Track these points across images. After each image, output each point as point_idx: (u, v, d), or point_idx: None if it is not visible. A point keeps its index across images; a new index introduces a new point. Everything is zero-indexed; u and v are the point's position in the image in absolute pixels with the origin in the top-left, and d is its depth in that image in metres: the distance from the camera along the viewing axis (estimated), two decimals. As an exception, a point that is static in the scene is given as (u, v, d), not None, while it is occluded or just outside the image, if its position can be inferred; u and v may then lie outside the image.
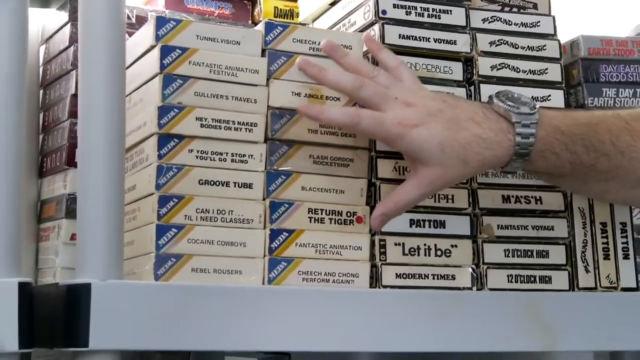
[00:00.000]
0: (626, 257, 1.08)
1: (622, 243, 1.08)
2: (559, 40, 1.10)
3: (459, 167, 0.95)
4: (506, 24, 1.08)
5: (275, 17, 1.22)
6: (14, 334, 0.79)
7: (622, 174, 0.99)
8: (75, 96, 1.00)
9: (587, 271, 1.07)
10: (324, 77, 0.97)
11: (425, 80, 1.02)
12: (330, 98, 0.98)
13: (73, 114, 1.00)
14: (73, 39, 1.03)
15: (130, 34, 1.00)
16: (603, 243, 1.08)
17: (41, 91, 1.15)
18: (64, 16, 1.07)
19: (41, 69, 1.16)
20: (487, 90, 1.05)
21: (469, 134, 0.95)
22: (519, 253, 1.04)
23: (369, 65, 1.00)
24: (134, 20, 1.10)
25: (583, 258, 1.07)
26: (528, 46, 1.08)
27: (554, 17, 1.11)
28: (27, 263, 1.08)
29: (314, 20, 1.17)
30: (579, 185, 1.05)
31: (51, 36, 1.12)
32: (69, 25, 1.05)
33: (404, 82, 0.98)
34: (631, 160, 0.99)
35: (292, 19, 1.22)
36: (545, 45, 1.09)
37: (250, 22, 1.22)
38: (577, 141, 0.97)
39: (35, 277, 1.09)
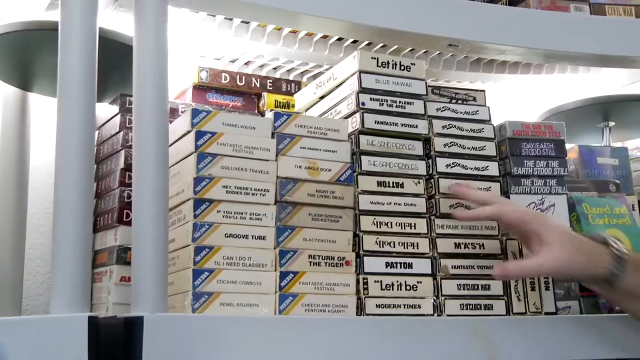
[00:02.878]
0: (547, 288, 1.08)
1: (544, 278, 1.08)
2: (493, 125, 1.11)
3: (573, 255, 0.93)
4: (454, 112, 1.08)
5: (275, 107, 1.22)
6: (85, 356, 0.78)
7: None
8: (123, 170, 1.00)
9: (519, 300, 1.06)
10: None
11: (395, 155, 1.03)
12: (324, 170, 0.98)
13: (122, 183, 1.00)
14: (122, 126, 1.02)
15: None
16: (530, 278, 1.08)
17: (95, 166, 1.14)
18: (115, 109, 1.07)
19: (95, 149, 1.13)
20: (442, 162, 1.05)
21: (584, 237, 0.96)
22: (468, 287, 1.03)
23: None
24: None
25: (516, 290, 1.06)
26: (470, 129, 1.08)
27: (488, 107, 1.12)
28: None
29: (306, 110, 1.17)
30: None
31: (104, 124, 1.11)
32: (119, 116, 1.04)
33: None
34: None
35: (289, 109, 1.22)
36: (483, 129, 1.09)
37: (256, 111, 1.23)
38: None
39: (90, 311, 1.07)
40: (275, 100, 1.22)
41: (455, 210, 1.03)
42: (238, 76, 1.21)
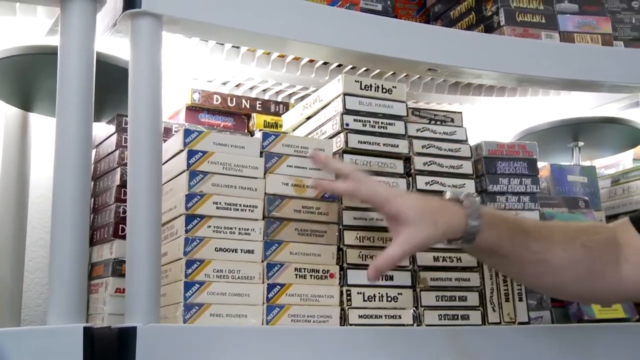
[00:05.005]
0: (520, 299, 1.08)
1: (517, 289, 1.08)
2: (469, 145, 1.11)
3: (430, 229, 0.90)
4: (433, 133, 1.08)
5: (264, 127, 1.21)
6: None
7: (549, 257, 0.94)
8: (119, 186, 1.00)
9: (494, 310, 1.06)
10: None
11: (378, 173, 1.02)
12: (309, 186, 0.98)
13: (117, 199, 1.00)
14: (118, 145, 1.02)
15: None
16: (504, 290, 1.07)
17: (92, 183, 1.13)
18: (111, 128, 1.07)
19: (92, 166, 1.14)
20: (421, 180, 1.05)
21: (438, 204, 0.92)
22: (446, 298, 1.03)
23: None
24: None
25: (491, 301, 1.06)
26: (448, 149, 1.08)
27: (465, 128, 1.12)
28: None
29: (294, 130, 1.18)
30: (518, 269, 0.98)
31: (101, 142, 1.11)
32: (115, 135, 1.04)
33: None
34: (554, 246, 0.94)
35: (277, 129, 1.22)
36: (460, 148, 1.09)
37: (246, 131, 1.22)
38: (511, 224, 0.94)
39: (86, 321, 1.06)
40: (264, 121, 1.22)
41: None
42: (229, 98, 1.20)
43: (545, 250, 0.93)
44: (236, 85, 1.27)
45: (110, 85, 0.95)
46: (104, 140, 1.10)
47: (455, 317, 1.03)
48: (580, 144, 1.51)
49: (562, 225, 1.06)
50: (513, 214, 1.05)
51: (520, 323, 1.07)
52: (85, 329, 0.78)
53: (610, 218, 1.33)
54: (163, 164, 0.93)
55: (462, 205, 0.91)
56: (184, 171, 0.91)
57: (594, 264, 0.94)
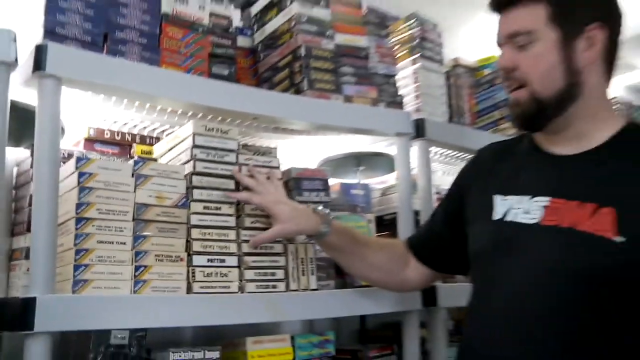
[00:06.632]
0: (312, 273, 1.16)
1: (310, 267, 1.16)
2: (280, 169, 1.17)
3: (293, 227, 1.04)
4: (256, 161, 1.13)
5: (141, 154, 1.21)
6: None
7: (368, 257, 1.09)
8: (32, 195, 0.96)
9: (294, 281, 1.13)
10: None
11: (216, 189, 1.07)
12: (167, 198, 1.01)
13: (30, 204, 0.96)
14: (32, 165, 0.98)
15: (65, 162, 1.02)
16: (302, 268, 1.15)
17: (14, 191, 1.13)
18: (28, 152, 1.07)
19: (14, 180, 1.13)
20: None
21: (305, 212, 1.05)
22: (261, 274, 1.09)
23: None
24: (66, 155, 1.09)
25: (293, 275, 1.13)
26: (266, 172, 1.13)
27: (279, 158, 1.17)
28: (2, 285, 1.06)
29: (161, 156, 1.19)
30: (347, 261, 1.12)
31: (21, 162, 1.12)
32: (30, 158, 1.04)
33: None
34: (370, 250, 1.10)
35: (150, 155, 1.21)
36: (275, 172, 1.15)
37: (128, 156, 1.20)
38: (349, 233, 1.10)
39: (7, 291, 1.06)
40: (141, 150, 1.22)
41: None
42: (116, 133, 1.21)
43: (366, 253, 1.11)
44: (124, 124, 1.25)
45: (28, 121, 0.95)
46: (23, 161, 1.10)
47: (268, 286, 1.10)
48: (361, 168, 1.58)
49: (376, 239, 1.24)
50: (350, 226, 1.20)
51: (312, 289, 1.16)
52: (-1, 298, 0.82)
53: (378, 218, 1.42)
54: (61, 181, 0.97)
55: (319, 215, 1.08)
56: (75, 187, 0.96)
57: (391, 265, 1.13)
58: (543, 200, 0.85)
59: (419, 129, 1.37)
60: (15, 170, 1.13)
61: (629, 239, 0.76)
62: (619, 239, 0.77)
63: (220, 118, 1.19)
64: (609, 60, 0.89)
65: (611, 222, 0.78)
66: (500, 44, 0.92)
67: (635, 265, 0.76)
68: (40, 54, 0.91)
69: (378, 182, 1.63)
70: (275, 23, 1.35)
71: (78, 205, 0.95)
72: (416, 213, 1.37)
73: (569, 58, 0.85)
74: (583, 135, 0.88)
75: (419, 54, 1.53)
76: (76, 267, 0.93)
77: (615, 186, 0.81)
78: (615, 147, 0.86)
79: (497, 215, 0.90)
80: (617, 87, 2.96)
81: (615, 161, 0.84)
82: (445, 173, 1.76)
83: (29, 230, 0.97)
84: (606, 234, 0.78)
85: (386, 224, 1.44)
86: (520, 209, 0.87)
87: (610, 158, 0.85)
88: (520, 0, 0.87)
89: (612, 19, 0.88)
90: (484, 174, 0.99)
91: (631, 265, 0.76)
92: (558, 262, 0.80)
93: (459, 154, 1.59)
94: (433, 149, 1.51)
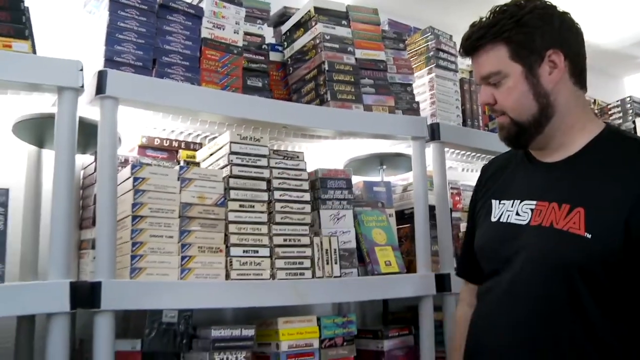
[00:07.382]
0: (336, 262, 1.22)
1: (334, 257, 1.22)
2: (307, 171, 1.23)
3: None
4: (285, 164, 1.19)
5: (186, 158, 1.26)
6: (67, 304, 0.90)
7: None
8: (96, 195, 1.03)
9: (319, 269, 1.19)
10: None
11: (250, 189, 1.13)
12: (208, 198, 1.08)
13: (95, 202, 1.04)
14: (96, 169, 1.04)
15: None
16: (326, 258, 1.21)
17: (81, 191, 1.21)
18: (92, 158, 1.15)
19: (81, 181, 1.21)
20: (277, 193, 1.16)
21: None
22: (290, 263, 1.15)
23: None
24: (123, 160, 1.17)
25: (318, 264, 1.19)
26: (295, 174, 1.20)
27: (305, 162, 1.23)
28: (74, 270, 1.12)
29: (203, 161, 1.25)
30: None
31: (87, 166, 1.19)
32: (94, 162, 1.10)
33: None
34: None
35: (194, 159, 1.26)
36: (301, 174, 1.21)
37: (175, 160, 1.26)
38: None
39: (78, 276, 1.13)
40: (186, 154, 1.28)
41: None
42: (164, 140, 1.27)
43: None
44: (172, 131, 1.31)
45: (92, 132, 1.04)
46: (88, 165, 1.19)
47: (296, 274, 1.16)
48: (384, 167, 1.62)
49: (461, 329, 1.04)
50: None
51: (335, 277, 1.23)
52: (70, 283, 0.92)
53: (399, 212, 1.48)
54: (119, 184, 1.06)
55: None
56: (131, 189, 1.05)
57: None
58: (531, 204, 0.93)
59: (434, 133, 1.41)
60: (82, 173, 1.22)
61: (593, 235, 0.83)
62: (588, 235, 0.83)
63: (253, 127, 1.26)
64: (577, 73, 0.93)
65: (581, 220, 0.84)
66: (478, 83, 0.99)
67: (601, 257, 0.82)
68: (101, 79, 1.01)
69: (399, 179, 1.67)
70: (302, 41, 1.42)
71: (133, 205, 1.03)
72: (432, 208, 1.41)
73: (537, 84, 0.91)
74: (565, 144, 0.94)
75: (434, 64, 1.56)
76: (133, 257, 1.01)
77: (585, 188, 0.87)
78: (589, 152, 0.91)
79: (494, 217, 0.98)
80: (633, 86, 2.92)
81: (587, 165, 0.90)
82: (464, 170, 1.81)
83: (94, 224, 1.04)
84: (578, 231, 0.84)
85: (407, 218, 1.49)
86: (512, 211, 0.95)
87: (583, 163, 0.91)
88: (482, 45, 0.94)
89: (565, 42, 0.92)
90: (488, 184, 1.06)
91: (598, 258, 0.82)
92: (542, 256, 0.88)
93: (474, 154, 1.63)
94: (450, 150, 1.55)
